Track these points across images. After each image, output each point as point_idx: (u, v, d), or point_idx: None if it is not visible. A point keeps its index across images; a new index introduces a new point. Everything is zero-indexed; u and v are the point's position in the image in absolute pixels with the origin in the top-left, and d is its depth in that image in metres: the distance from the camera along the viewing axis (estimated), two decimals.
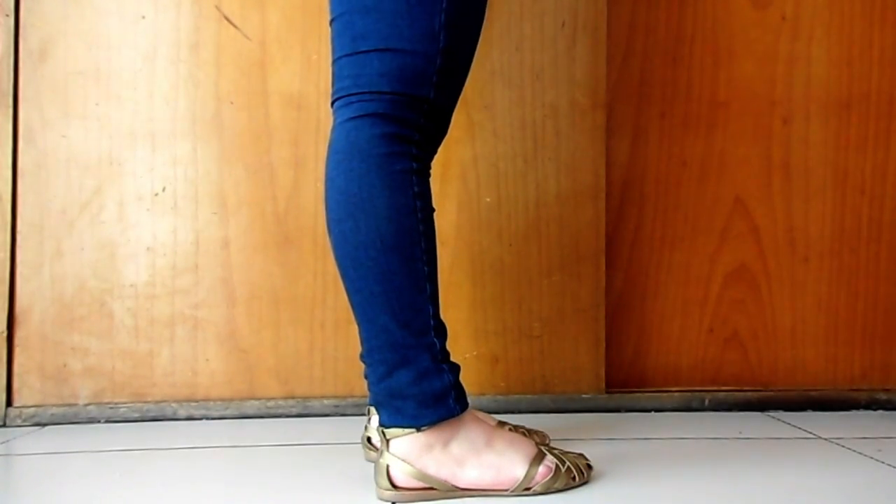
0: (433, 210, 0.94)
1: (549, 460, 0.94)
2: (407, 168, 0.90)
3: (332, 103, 0.95)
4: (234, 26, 1.41)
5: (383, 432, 0.92)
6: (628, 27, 1.48)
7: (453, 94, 0.95)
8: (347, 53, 0.90)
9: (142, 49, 1.40)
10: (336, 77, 0.93)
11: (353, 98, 0.90)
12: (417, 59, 0.88)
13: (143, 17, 1.40)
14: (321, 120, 1.41)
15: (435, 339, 0.92)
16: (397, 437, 0.91)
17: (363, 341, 0.94)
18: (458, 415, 0.92)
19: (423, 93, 0.90)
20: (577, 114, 1.42)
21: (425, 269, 0.91)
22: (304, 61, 1.41)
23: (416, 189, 0.91)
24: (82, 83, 1.39)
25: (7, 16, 1.37)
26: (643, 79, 1.49)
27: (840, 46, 1.50)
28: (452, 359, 0.96)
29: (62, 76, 1.39)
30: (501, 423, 1.15)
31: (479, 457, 0.92)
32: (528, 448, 0.95)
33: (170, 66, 1.40)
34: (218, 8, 1.40)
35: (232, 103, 1.41)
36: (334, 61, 0.93)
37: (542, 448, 0.96)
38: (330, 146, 0.93)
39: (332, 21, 0.93)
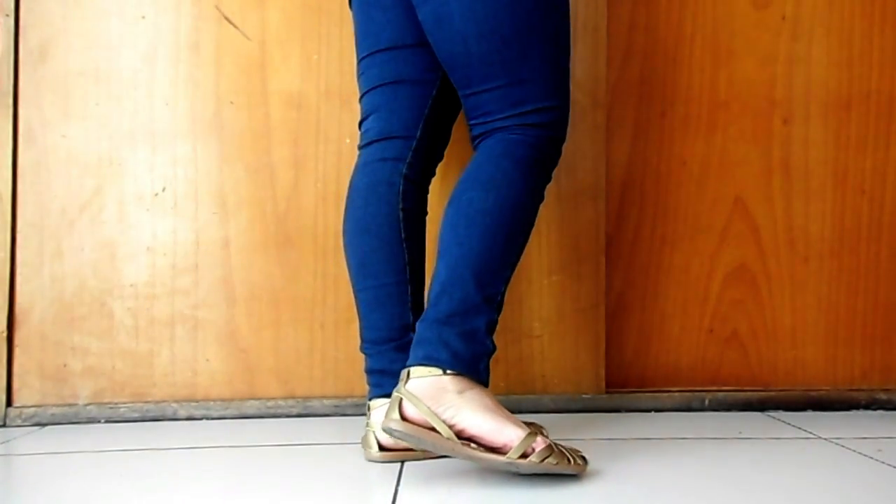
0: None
1: (544, 439, 0.96)
2: (544, 179, 1.08)
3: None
4: (234, 26, 1.41)
5: (408, 371, 0.97)
6: (628, 27, 1.48)
7: None
8: (510, 115, 1.06)
9: (142, 49, 1.40)
10: (494, 116, 1.06)
11: (518, 132, 1.06)
12: (565, 111, 1.09)
13: (143, 18, 1.40)
14: (321, 120, 1.41)
15: (495, 313, 1.02)
16: (420, 376, 0.95)
17: (437, 284, 1.01)
18: (479, 381, 0.99)
19: (562, 134, 1.09)
20: (577, 114, 1.42)
21: (516, 258, 1.05)
22: (304, 61, 1.41)
23: (541, 198, 1.08)
24: (82, 83, 1.39)
25: (7, 16, 1.37)
26: (643, 79, 1.49)
27: (840, 46, 1.50)
28: None
29: (62, 76, 1.39)
30: None
31: (486, 411, 0.96)
32: (525, 427, 0.98)
33: (170, 67, 1.40)
34: (218, 8, 1.40)
35: (232, 103, 1.41)
36: (495, 120, 1.06)
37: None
38: (487, 145, 1.07)
39: (481, 91, 1.06)
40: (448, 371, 0.96)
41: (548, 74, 1.05)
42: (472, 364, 0.98)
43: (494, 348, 1.02)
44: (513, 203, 1.02)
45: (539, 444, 0.94)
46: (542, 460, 0.93)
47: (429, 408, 0.94)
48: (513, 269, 1.05)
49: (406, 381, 0.96)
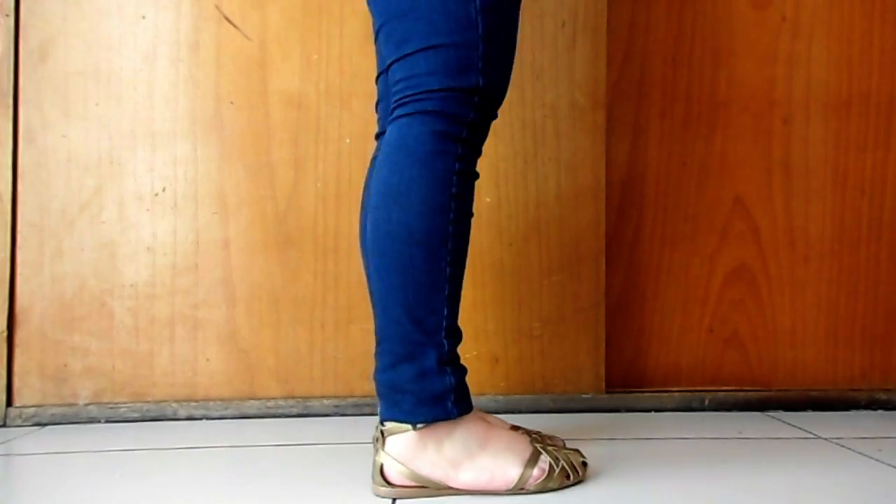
0: (471, 214, 0.95)
1: (543, 461, 0.94)
2: (449, 168, 0.91)
3: (386, 107, 0.99)
4: (234, 26, 1.41)
5: (381, 430, 0.93)
6: (628, 27, 1.48)
7: (503, 77, 0.96)
8: (396, 59, 0.93)
9: (142, 49, 1.40)
10: (390, 83, 0.96)
11: (408, 99, 0.92)
12: (460, 50, 0.89)
13: (143, 17, 1.40)
14: (321, 120, 1.41)
15: (445, 341, 0.92)
16: (393, 434, 0.92)
17: (376, 331, 0.95)
18: (454, 417, 0.92)
19: (472, 83, 0.90)
20: (577, 114, 1.42)
21: (448, 269, 0.92)
22: (304, 61, 1.41)
23: (454, 190, 0.91)
24: (82, 83, 1.39)
25: (7, 16, 1.37)
26: (643, 79, 1.49)
27: (840, 46, 1.50)
28: None
29: (62, 76, 1.39)
30: (515, 429, 1.13)
31: (473, 459, 0.92)
32: (523, 449, 0.95)
33: (170, 66, 1.40)
34: (218, 8, 1.40)
35: (232, 103, 1.41)
36: (387, 68, 0.95)
37: (538, 447, 0.96)
38: (384, 140, 0.95)
39: (376, 33, 0.97)
40: (418, 426, 0.91)
41: (436, 5, 0.88)
42: (438, 407, 0.91)
43: (462, 372, 0.94)
44: (420, 212, 0.89)
45: (534, 478, 0.93)
46: (541, 490, 0.93)
47: (413, 471, 0.91)
48: (456, 284, 0.93)
49: (384, 443, 0.92)
